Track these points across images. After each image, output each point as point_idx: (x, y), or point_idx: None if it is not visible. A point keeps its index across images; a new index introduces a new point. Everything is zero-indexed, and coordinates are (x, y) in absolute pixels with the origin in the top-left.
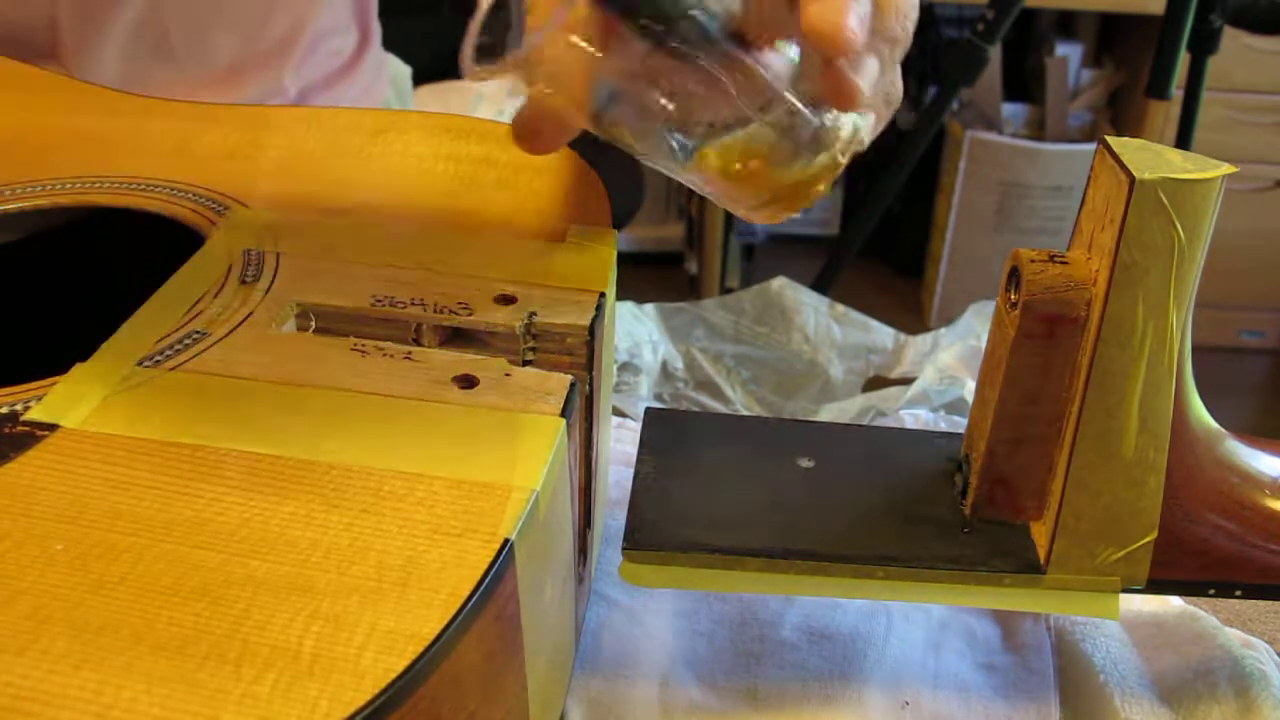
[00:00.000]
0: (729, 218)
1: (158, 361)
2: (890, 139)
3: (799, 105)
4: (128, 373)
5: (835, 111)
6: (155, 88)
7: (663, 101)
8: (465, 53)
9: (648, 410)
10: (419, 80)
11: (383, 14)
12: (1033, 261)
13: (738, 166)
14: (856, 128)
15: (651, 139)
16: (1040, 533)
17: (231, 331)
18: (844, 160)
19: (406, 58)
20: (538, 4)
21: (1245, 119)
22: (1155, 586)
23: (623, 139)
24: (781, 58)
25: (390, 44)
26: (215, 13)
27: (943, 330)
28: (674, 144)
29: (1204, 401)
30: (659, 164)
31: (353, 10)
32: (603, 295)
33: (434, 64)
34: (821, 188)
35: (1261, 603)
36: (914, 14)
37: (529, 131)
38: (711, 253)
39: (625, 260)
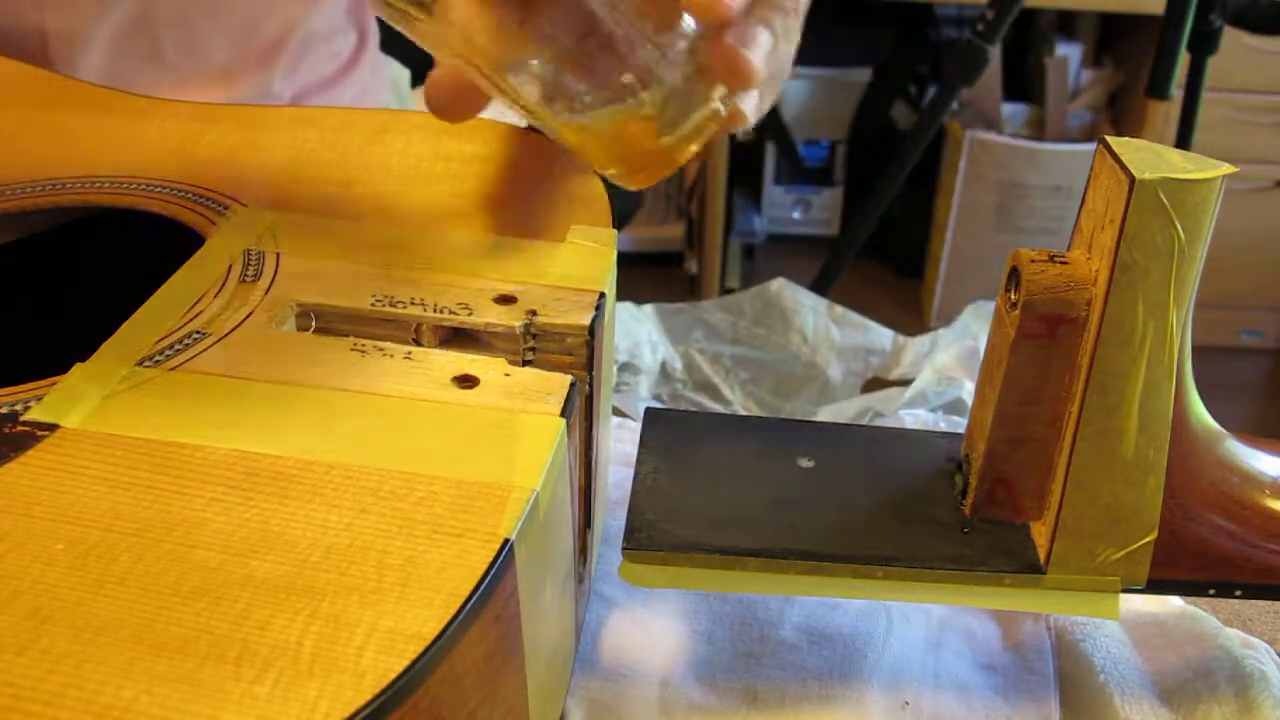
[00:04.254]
0: (729, 218)
1: (158, 361)
2: (891, 139)
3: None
4: (128, 373)
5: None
6: (145, 89)
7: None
8: None
9: (648, 410)
10: (419, 80)
11: None
12: (1033, 261)
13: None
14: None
15: (544, 102)
16: (1040, 533)
17: (231, 331)
18: (714, 126)
19: (406, 57)
20: None
21: (1245, 119)
22: (1155, 586)
23: (519, 103)
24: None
25: (390, 44)
26: (207, 14)
27: (941, 331)
28: (565, 105)
29: (1204, 401)
30: (546, 127)
31: (348, 12)
32: (603, 295)
33: (433, 65)
34: (691, 149)
35: (1261, 603)
36: None
37: (449, 100)
38: (711, 253)
39: (625, 260)
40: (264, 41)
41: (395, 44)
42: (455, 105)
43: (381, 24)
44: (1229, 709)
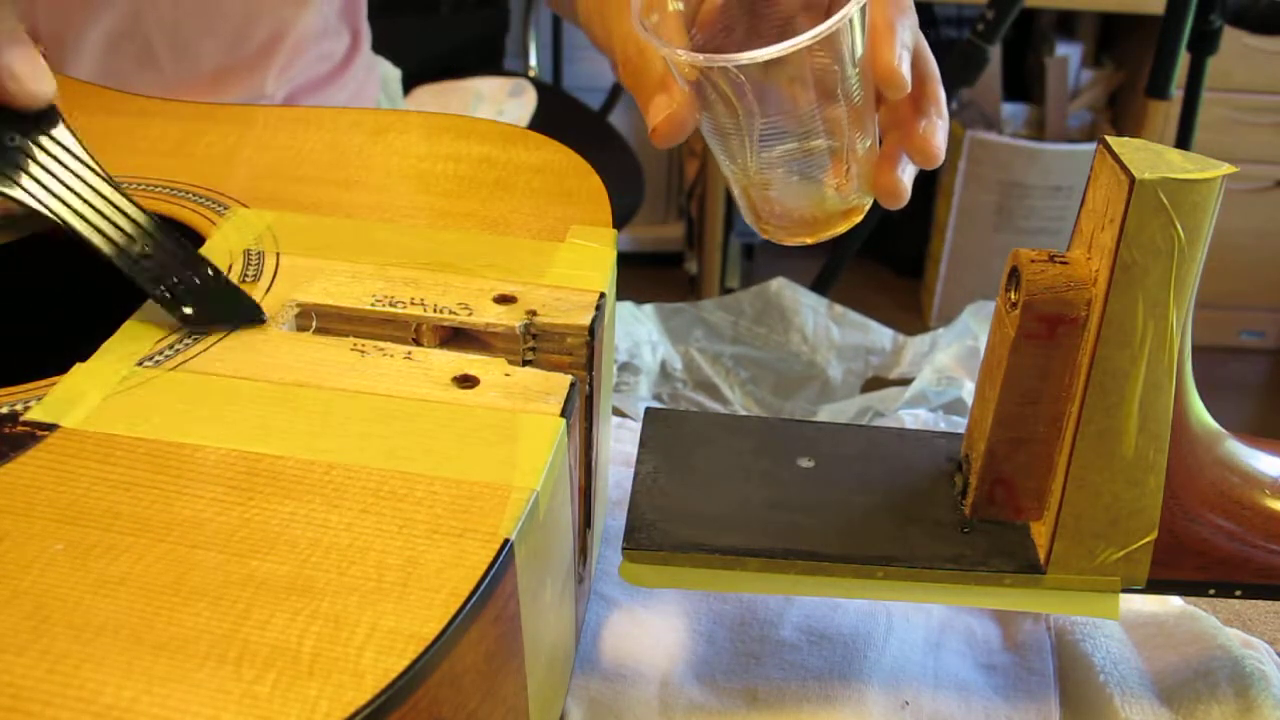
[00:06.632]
0: (729, 217)
1: (158, 361)
2: None
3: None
4: (128, 373)
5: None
6: (138, 91)
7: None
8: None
9: (648, 410)
10: (417, 80)
11: (380, 14)
12: (1033, 261)
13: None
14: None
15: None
16: (1040, 533)
17: (231, 331)
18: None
19: (404, 58)
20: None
21: (1245, 119)
22: (1155, 586)
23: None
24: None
25: (387, 44)
26: (199, 19)
27: (940, 331)
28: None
29: (1204, 401)
30: (733, 164)
31: (342, 13)
32: (603, 295)
33: (432, 64)
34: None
35: (1261, 603)
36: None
37: (678, 129)
38: (711, 253)
39: (625, 260)
40: (256, 43)
41: (394, 43)
42: (676, 139)
43: (374, 24)
44: (1229, 709)
